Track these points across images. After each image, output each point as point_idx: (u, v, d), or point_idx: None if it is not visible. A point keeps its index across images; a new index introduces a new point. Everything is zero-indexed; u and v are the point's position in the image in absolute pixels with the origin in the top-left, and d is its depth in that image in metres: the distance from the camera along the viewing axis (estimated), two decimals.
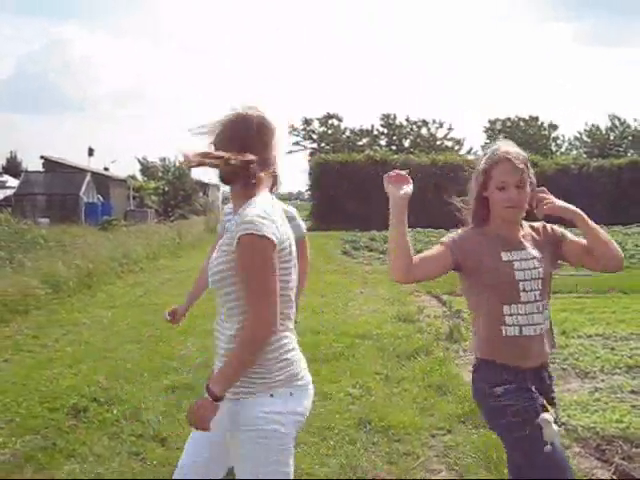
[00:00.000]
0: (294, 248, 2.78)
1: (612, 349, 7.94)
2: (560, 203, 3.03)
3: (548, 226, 3.18)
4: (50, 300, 11.70)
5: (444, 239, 3.13)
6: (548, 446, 2.89)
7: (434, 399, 6.09)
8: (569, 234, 3.15)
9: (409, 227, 2.99)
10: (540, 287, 3.06)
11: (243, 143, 2.70)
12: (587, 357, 7.48)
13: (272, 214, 2.65)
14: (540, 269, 3.06)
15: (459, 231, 3.18)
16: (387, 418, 5.49)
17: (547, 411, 2.97)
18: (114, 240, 20.54)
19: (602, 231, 3.05)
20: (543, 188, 3.07)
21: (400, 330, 9.16)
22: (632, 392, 6.30)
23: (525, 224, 3.16)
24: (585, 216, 3.03)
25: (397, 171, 2.99)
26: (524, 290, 3.03)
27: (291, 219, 3.80)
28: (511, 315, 3.03)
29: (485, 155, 3.11)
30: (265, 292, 2.56)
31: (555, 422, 2.96)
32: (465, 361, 7.61)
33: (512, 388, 3.00)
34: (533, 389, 3.01)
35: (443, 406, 5.84)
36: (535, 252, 3.08)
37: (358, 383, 6.59)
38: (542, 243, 3.13)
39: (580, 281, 12.48)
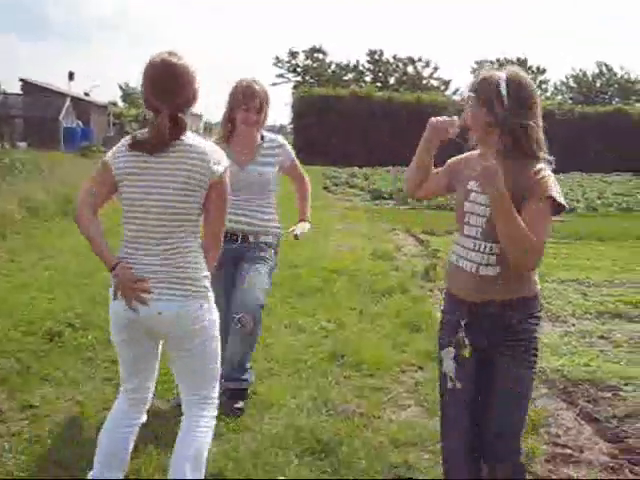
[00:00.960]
0: (137, 179, 3.02)
1: (584, 295, 8.06)
2: (482, 172, 2.72)
3: (537, 177, 2.78)
4: (28, 225, 11.64)
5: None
6: (449, 383, 3.02)
7: (407, 336, 6.17)
8: (536, 201, 2.74)
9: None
10: (484, 226, 2.88)
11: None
12: (559, 301, 7.60)
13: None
14: (488, 209, 2.84)
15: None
16: (360, 353, 5.55)
17: (460, 347, 2.97)
18: (93, 166, 20.30)
19: (515, 228, 2.68)
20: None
21: (377, 267, 9.23)
22: (601, 337, 6.42)
23: (529, 163, 2.82)
24: (503, 201, 2.69)
25: (446, 120, 2.99)
26: (468, 223, 2.95)
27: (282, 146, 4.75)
28: (456, 243, 3.05)
29: None
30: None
31: (457, 359, 2.98)
32: (438, 299, 7.70)
33: (446, 319, 3.07)
34: (462, 323, 2.95)
35: (415, 343, 5.92)
36: None
37: (333, 318, 6.65)
38: (515, 188, 2.74)
39: (555, 227, 12.58)
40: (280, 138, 4.81)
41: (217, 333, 3.17)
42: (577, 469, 3.92)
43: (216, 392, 3.26)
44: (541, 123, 2.87)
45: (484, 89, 2.86)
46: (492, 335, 2.95)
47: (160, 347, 3.24)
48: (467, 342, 2.97)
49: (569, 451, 4.11)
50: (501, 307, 2.91)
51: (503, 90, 2.79)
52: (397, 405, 4.76)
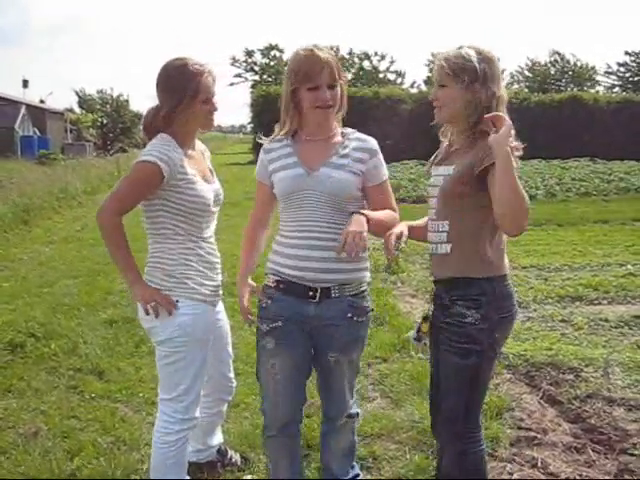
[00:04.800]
0: None
1: (545, 280, 8.16)
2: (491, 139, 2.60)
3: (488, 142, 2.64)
4: None
5: None
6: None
7: (371, 329, 6.17)
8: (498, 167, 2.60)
9: None
10: (437, 206, 2.94)
11: None
12: (521, 287, 7.67)
13: None
14: (439, 187, 2.91)
15: None
16: None
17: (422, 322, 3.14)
18: (51, 175, 20.13)
19: (519, 187, 2.57)
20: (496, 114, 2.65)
21: None
22: (562, 321, 6.51)
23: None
24: (506, 162, 2.56)
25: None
26: (431, 207, 3.00)
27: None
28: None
29: None
30: None
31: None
32: (402, 292, 7.75)
33: None
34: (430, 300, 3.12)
35: (379, 336, 5.94)
36: (448, 169, 2.88)
37: None
38: (468, 159, 2.78)
39: None
40: (373, 142, 3.17)
41: None
42: (541, 451, 3.98)
43: None
44: (506, 96, 2.87)
45: (458, 67, 2.77)
46: (436, 314, 3.03)
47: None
48: (429, 317, 3.08)
49: (533, 434, 4.18)
50: (443, 285, 2.98)
51: (476, 64, 2.74)
52: (363, 398, 4.78)
